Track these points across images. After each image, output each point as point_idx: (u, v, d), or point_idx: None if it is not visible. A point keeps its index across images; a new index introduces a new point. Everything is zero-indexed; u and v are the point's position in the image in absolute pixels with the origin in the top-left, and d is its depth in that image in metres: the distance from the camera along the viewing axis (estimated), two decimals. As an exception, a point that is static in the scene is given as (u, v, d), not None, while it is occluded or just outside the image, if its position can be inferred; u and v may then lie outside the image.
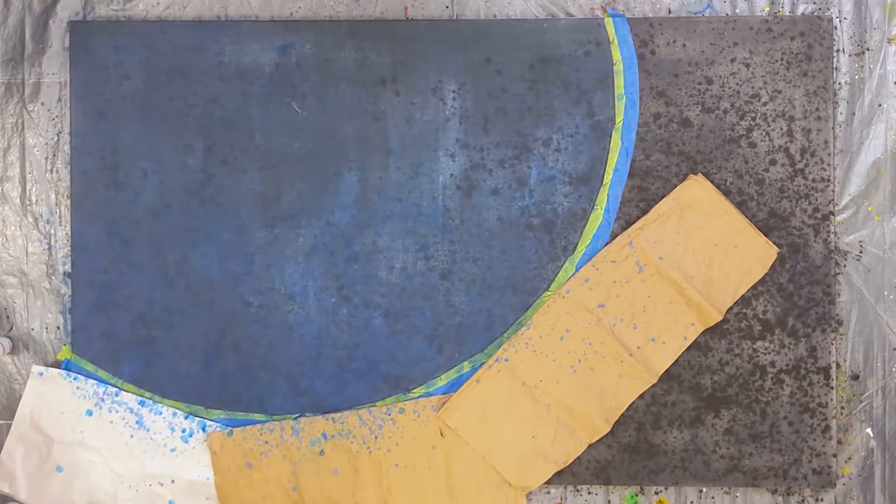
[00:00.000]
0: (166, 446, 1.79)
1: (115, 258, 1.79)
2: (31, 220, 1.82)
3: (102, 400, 1.79)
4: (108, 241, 1.79)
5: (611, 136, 1.78)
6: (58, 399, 1.80)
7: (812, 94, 1.76)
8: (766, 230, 1.77)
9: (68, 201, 1.81)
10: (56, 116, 1.82)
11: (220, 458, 1.77)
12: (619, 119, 1.77)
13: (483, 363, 1.78)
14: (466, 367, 1.79)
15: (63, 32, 1.82)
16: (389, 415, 1.77)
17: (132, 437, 1.79)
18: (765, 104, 1.77)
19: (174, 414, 1.79)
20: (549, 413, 1.76)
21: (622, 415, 1.77)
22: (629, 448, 1.78)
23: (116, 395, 1.79)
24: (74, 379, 1.80)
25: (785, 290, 1.77)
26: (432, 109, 1.78)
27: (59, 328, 1.83)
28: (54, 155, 1.82)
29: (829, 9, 1.78)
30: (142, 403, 1.79)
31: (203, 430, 1.78)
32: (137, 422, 1.79)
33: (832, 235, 1.77)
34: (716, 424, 1.77)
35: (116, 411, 1.79)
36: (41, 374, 1.80)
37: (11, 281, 1.83)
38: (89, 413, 1.79)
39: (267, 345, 1.79)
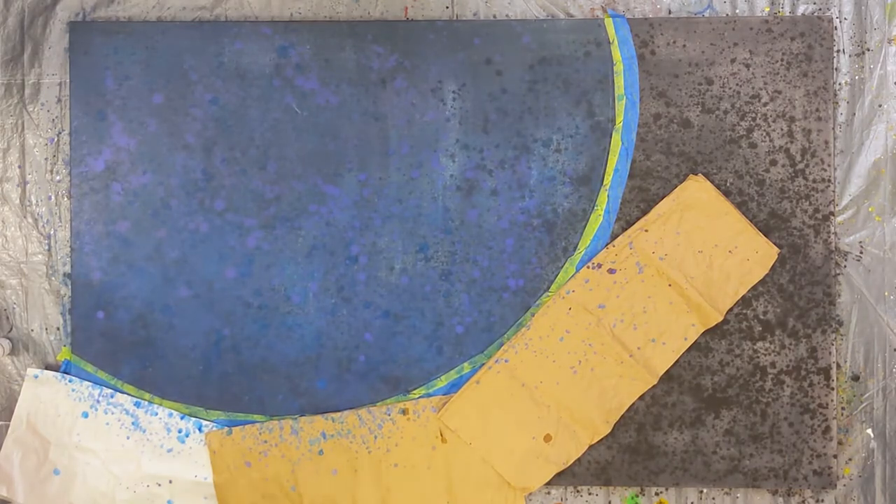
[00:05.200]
0: (163, 447, 1.78)
1: (115, 258, 1.79)
2: (30, 220, 1.82)
3: (98, 402, 1.79)
4: (108, 242, 1.79)
5: (611, 137, 1.78)
6: (53, 401, 1.80)
7: (812, 95, 1.77)
8: (766, 231, 1.77)
9: (68, 202, 1.81)
10: (56, 116, 1.82)
11: (219, 458, 1.77)
12: (620, 119, 1.77)
13: (483, 364, 1.78)
14: (466, 368, 1.78)
15: (63, 33, 1.82)
16: (389, 415, 1.77)
17: (128, 438, 1.79)
18: (765, 105, 1.77)
19: (170, 414, 1.79)
20: (549, 414, 1.75)
21: (622, 416, 1.77)
22: (629, 449, 1.77)
23: (112, 397, 1.79)
24: (70, 381, 1.79)
25: (785, 290, 1.77)
26: (432, 110, 1.78)
27: (58, 329, 1.82)
28: (54, 155, 1.82)
29: (829, 9, 1.78)
30: (137, 405, 1.79)
31: (199, 430, 1.78)
32: (133, 423, 1.79)
33: (832, 236, 1.77)
34: (716, 425, 1.77)
35: (112, 413, 1.79)
36: (36, 376, 1.80)
37: (11, 282, 1.82)
38: (85, 415, 1.79)
39: (267, 345, 1.78)
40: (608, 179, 1.78)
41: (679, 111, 1.77)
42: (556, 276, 1.78)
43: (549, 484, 1.78)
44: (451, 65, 1.78)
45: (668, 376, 1.77)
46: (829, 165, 1.77)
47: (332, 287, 1.79)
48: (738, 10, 1.80)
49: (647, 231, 1.76)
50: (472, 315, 1.78)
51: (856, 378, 1.78)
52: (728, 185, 1.77)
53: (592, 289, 1.76)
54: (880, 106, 1.78)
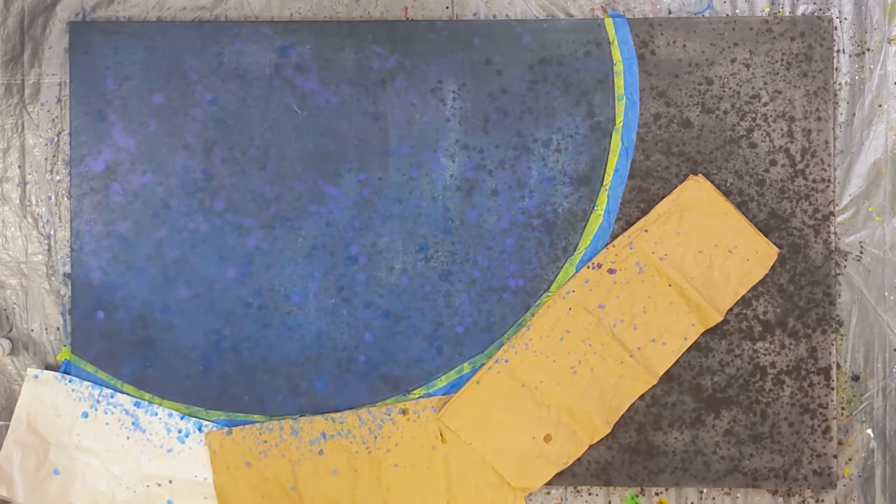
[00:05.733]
0: (163, 447, 1.78)
1: (115, 258, 1.79)
2: (30, 220, 1.82)
3: (98, 402, 1.79)
4: (108, 242, 1.79)
5: (611, 137, 1.78)
6: (53, 401, 1.79)
7: (812, 95, 1.77)
8: (766, 231, 1.77)
9: (68, 202, 1.81)
10: (56, 117, 1.82)
11: (219, 458, 1.76)
12: (620, 120, 1.77)
13: (483, 364, 1.78)
14: (466, 368, 1.78)
15: (63, 33, 1.82)
16: (389, 415, 1.77)
17: (128, 438, 1.79)
18: (765, 105, 1.77)
19: (170, 415, 1.79)
20: (549, 414, 1.75)
21: (622, 416, 1.76)
22: (629, 449, 1.77)
23: (112, 397, 1.79)
24: (70, 381, 1.79)
25: (785, 290, 1.77)
26: (432, 110, 1.78)
27: (58, 329, 1.82)
28: (54, 155, 1.82)
29: (829, 9, 1.78)
30: (137, 405, 1.79)
31: (199, 430, 1.78)
32: (133, 423, 1.79)
33: (832, 236, 1.77)
34: (716, 425, 1.77)
35: (112, 413, 1.79)
36: (36, 376, 1.80)
37: (11, 282, 1.82)
38: (85, 415, 1.79)
39: (267, 345, 1.78)
40: (608, 179, 1.78)
41: (679, 111, 1.77)
42: (556, 276, 1.78)
43: (549, 484, 1.78)
44: (451, 65, 1.78)
45: (668, 376, 1.77)
46: (829, 165, 1.77)
47: (332, 287, 1.79)
48: (738, 10, 1.80)
49: (647, 231, 1.76)
50: (472, 315, 1.78)
51: (856, 378, 1.78)
52: (728, 185, 1.77)
53: (592, 289, 1.76)
54: (880, 106, 1.78)
